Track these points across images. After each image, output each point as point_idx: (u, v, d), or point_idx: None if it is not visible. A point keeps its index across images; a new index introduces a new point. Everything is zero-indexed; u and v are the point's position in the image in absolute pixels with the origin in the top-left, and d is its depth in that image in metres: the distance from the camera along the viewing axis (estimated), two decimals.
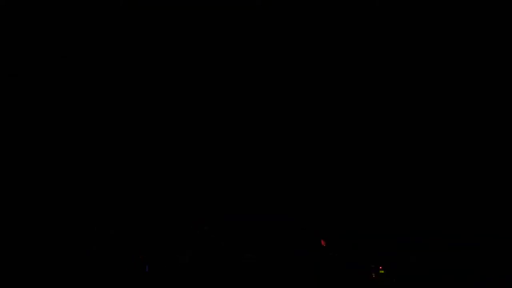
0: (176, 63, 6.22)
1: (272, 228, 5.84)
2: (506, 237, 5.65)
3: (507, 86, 5.91)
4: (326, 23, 6.06)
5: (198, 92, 6.25)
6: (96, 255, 5.51)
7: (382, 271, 5.68)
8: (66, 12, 6.01)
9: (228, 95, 6.24)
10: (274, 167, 6.09)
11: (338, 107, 6.22)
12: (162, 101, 6.24)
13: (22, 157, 5.92)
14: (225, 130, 6.26)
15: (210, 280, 5.50)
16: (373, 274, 5.67)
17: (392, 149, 6.11)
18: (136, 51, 6.16)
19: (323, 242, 5.79)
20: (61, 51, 6.07)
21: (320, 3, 6.02)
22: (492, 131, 5.92)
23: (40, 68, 6.05)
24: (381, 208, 6.02)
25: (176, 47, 6.18)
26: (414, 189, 6.00)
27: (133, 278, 5.46)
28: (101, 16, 6.07)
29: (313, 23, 6.08)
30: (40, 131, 6.01)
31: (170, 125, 6.23)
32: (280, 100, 6.21)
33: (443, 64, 6.03)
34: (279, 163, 6.09)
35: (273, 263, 5.65)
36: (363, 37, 6.09)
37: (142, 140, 6.20)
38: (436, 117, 6.06)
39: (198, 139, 6.26)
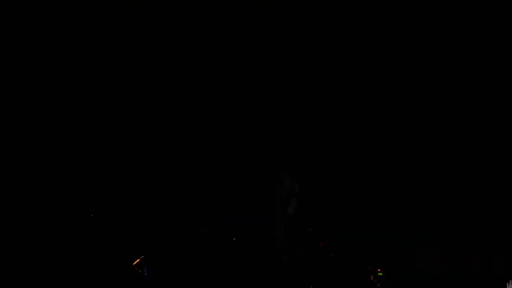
0: (176, 63, 6.23)
1: (272, 228, 5.84)
2: (506, 237, 5.65)
3: (507, 86, 5.92)
4: (326, 23, 6.07)
5: (198, 92, 6.26)
6: (96, 255, 5.50)
7: (381, 273, 5.68)
8: (66, 12, 6.02)
9: (228, 95, 6.25)
10: (274, 167, 6.09)
11: (338, 107, 6.23)
12: (162, 101, 6.24)
13: (22, 157, 5.92)
14: (225, 130, 6.27)
15: (210, 280, 5.49)
16: (372, 277, 5.66)
17: (392, 149, 6.12)
18: (136, 51, 6.16)
19: (320, 246, 5.80)
20: (61, 51, 6.08)
21: (320, 3, 6.03)
22: (492, 131, 5.93)
23: (40, 68, 6.05)
24: (381, 208, 6.03)
25: (176, 47, 6.19)
26: (414, 189, 6.01)
27: (133, 278, 5.46)
28: (101, 16, 6.07)
29: (313, 23, 6.09)
30: (40, 131, 6.01)
31: (170, 125, 6.24)
32: (280, 100, 6.22)
33: (442, 64, 6.04)
34: (279, 163, 6.09)
35: (273, 263, 5.65)
36: (363, 37, 6.10)
37: (142, 141, 6.21)
38: (436, 117, 6.07)
39: (198, 140, 6.26)
